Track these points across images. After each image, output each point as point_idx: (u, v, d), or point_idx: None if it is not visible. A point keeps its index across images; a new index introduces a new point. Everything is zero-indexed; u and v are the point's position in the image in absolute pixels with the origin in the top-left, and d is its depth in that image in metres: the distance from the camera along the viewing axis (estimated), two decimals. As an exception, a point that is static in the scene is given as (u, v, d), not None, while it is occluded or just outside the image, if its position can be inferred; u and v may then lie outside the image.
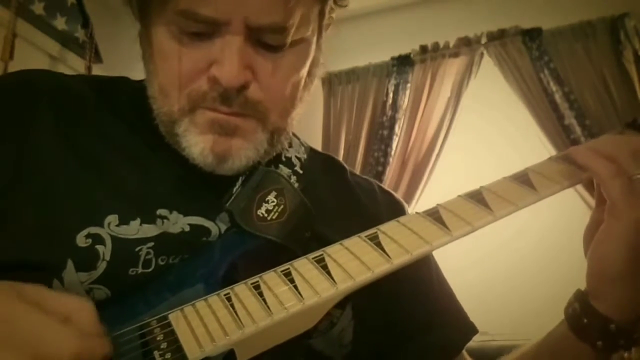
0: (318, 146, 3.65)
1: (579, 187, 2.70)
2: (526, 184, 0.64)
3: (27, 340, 0.41)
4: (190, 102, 0.61)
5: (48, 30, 2.54)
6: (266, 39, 0.60)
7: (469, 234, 0.60)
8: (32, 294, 0.45)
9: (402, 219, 0.62)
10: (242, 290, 0.55)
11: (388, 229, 0.60)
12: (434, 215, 0.61)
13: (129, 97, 0.70)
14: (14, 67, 2.26)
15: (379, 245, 0.58)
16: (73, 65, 2.66)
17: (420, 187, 2.99)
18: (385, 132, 3.10)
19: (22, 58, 2.35)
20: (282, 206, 0.64)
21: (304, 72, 0.65)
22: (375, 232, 0.60)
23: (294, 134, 0.79)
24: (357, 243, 0.59)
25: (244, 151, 0.62)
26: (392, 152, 3.08)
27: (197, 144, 0.62)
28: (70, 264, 0.57)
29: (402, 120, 3.10)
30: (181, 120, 0.62)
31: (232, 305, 0.54)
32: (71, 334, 0.42)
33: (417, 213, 0.62)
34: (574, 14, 2.87)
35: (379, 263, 0.56)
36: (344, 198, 0.78)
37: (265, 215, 0.63)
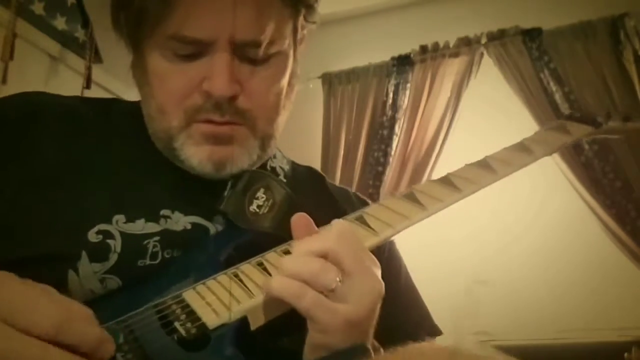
0: (318, 146, 3.60)
1: (583, 192, 2.71)
2: (486, 167, 0.78)
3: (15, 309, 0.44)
4: (187, 117, 0.68)
5: (48, 30, 2.55)
6: (249, 54, 0.67)
7: (442, 209, 0.71)
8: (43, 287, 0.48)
9: (383, 201, 0.72)
10: (247, 267, 0.63)
11: (371, 210, 0.70)
12: (410, 196, 0.72)
13: (124, 115, 0.78)
14: (14, 67, 2.26)
15: (364, 223, 0.68)
16: (73, 65, 2.66)
17: (421, 187, 2.99)
18: (385, 132, 3.09)
19: (22, 58, 2.35)
20: (271, 200, 0.72)
21: (285, 82, 0.73)
22: (361, 214, 0.70)
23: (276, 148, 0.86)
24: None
25: (240, 157, 0.70)
26: (392, 152, 3.07)
27: (194, 154, 0.69)
28: (84, 255, 0.64)
29: (402, 120, 3.10)
30: (179, 135, 0.69)
31: (241, 280, 0.61)
32: (58, 313, 0.45)
33: (393, 195, 0.73)
34: (574, 14, 2.87)
35: (367, 236, 0.66)
36: (324, 202, 0.85)
37: (257, 210, 0.71)
